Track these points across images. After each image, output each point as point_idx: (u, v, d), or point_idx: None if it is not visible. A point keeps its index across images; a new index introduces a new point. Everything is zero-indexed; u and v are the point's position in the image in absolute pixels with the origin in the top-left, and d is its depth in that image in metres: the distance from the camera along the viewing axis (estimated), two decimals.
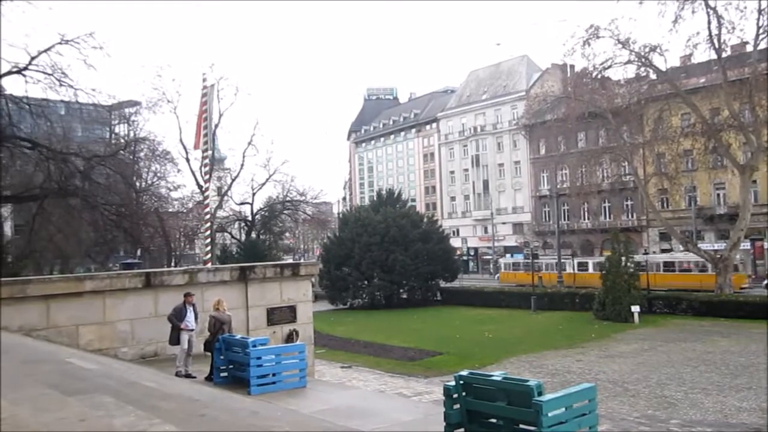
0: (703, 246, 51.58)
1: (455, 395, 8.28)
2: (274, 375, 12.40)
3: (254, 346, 12.11)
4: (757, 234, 57.90)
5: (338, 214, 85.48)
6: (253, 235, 55.90)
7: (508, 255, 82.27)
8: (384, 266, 46.36)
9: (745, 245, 53.07)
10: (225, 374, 12.65)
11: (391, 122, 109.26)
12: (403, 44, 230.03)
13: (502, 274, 61.81)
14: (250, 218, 57.30)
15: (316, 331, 18.21)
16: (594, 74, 40.99)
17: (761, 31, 35.90)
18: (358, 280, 47.76)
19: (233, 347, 12.46)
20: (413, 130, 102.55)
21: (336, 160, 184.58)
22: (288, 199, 57.16)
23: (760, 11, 35.36)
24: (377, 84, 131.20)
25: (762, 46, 37.47)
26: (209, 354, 12.82)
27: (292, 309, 16.13)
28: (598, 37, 38.58)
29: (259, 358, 12.02)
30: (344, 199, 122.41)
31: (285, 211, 59.67)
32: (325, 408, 10.86)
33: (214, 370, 12.69)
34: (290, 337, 15.75)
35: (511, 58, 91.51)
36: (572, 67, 56.70)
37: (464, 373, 8.47)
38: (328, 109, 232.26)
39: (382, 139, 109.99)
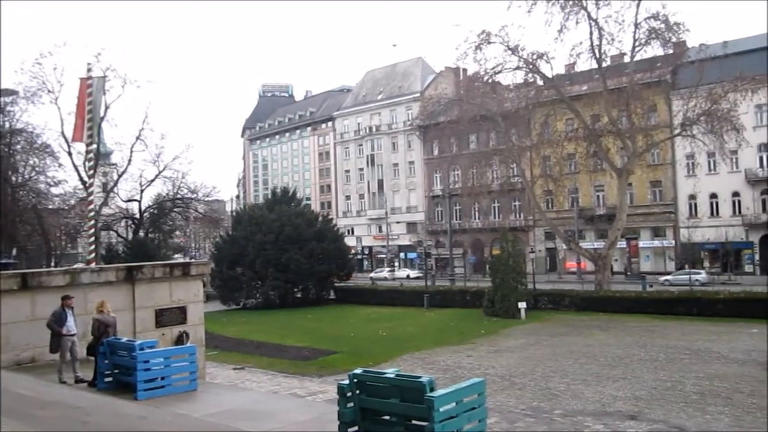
0: (584, 245, 54.48)
1: (349, 394, 8.31)
2: (163, 378, 11.96)
3: (141, 349, 11.64)
4: (632, 233, 61.82)
5: (231, 212, 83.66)
6: (141, 233, 53.73)
7: (401, 254, 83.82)
8: (278, 265, 45.83)
9: (622, 244, 56.52)
10: (110, 379, 12.08)
11: (286, 120, 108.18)
12: (300, 41, 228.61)
13: None
14: (137, 216, 55.02)
15: (207, 333, 17.75)
16: (485, 78, 42.18)
17: (637, 43, 38.29)
18: (251, 279, 46.97)
19: (119, 351, 11.93)
20: (309, 129, 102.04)
21: (229, 157, 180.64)
22: (179, 196, 55.34)
23: (636, 25, 37.72)
24: (272, 81, 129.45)
25: (638, 57, 39.94)
26: (92, 358, 12.21)
27: (183, 310, 15.65)
28: (489, 43, 39.81)
29: (146, 361, 11.57)
30: (238, 197, 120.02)
31: (175, 209, 57.75)
32: (217, 411, 10.61)
33: (97, 375, 12.10)
34: (180, 339, 15.27)
35: (406, 60, 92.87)
36: (465, 70, 58.30)
37: (358, 371, 8.52)
38: (222, 106, 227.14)
39: (277, 136, 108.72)
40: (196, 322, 15.90)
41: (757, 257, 59.43)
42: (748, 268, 58.79)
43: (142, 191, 53.19)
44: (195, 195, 56.26)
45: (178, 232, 74.30)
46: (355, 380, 8.29)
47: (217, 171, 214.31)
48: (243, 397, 13.57)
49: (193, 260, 53.70)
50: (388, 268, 76.27)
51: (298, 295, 48.89)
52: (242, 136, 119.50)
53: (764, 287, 41.65)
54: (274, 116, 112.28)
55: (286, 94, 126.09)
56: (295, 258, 45.68)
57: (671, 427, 12.70)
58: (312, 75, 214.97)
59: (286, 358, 25.01)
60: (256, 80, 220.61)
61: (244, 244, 47.35)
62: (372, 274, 74.91)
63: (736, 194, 60.11)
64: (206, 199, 60.47)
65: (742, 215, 59.37)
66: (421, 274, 62.09)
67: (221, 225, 71.32)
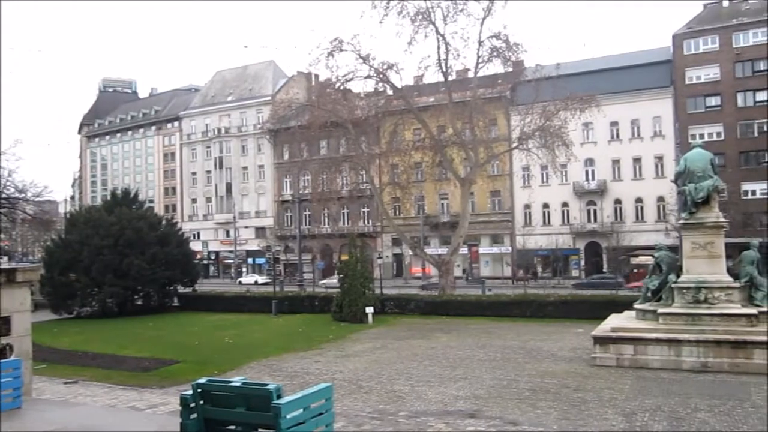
0: (429, 250, 56.50)
1: (192, 404, 8.03)
2: None
3: None
4: (473, 240, 65.04)
5: (65, 214, 78.21)
6: None
7: (249, 259, 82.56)
8: (117, 271, 43.30)
9: (464, 250, 59.28)
10: None
11: (129, 117, 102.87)
12: (146, 35, 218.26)
13: None
14: None
15: (35, 344, 16.38)
16: (337, 85, 42.51)
17: (480, 60, 40.35)
18: (87, 286, 43.94)
19: None
20: (153, 128, 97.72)
21: (64, 155, 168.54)
22: (4, 196, 50.74)
23: (480, 43, 39.75)
24: (114, 75, 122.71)
25: (481, 73, 42.11)
26: None
27: (6, 320, 14.31)
28: (341, 50, 40.16)
29: None
30: (73, 198, 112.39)
31: (0, 210, 52.92)
32: (45, 429, 9.83)
33: None
34: (2, 353, 13.98)
35: (258, 62, 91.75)
36: (317, 76, 58.58)
37: (202, 380, 8.25)
38: (57, 99, 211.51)
39: (118, 134, 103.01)
40: (21, 333, 14.61)
41: (582, 263, 64.78)
42: (574, 272, 63.96)
43: None
44: (23, 195, 51.78)
45: (2, 236, 68.13)
46: (199, 390, 8.03)
47: (50, 169, 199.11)
48: (75, 413, 12.68)
49: (19, 265, 49.44)
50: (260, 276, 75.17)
51: (139, 303, 46.48)
52: (79, 132, 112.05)
53: (588, 290, 45.47)
54: (115, 113, 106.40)
55: (129, 90, 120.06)
56: (135, 263, 43.39)
57: (506, 422, 13.44)
58: (158, 72, 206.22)
59: (125, 369, 23.67)
60: (96, 74, 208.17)
61: (78, 248, 44.26)
62: (242, 279, 74.42)
63: (565, 204, 65.21)
64: (36, 199, 55.83)
65: (570, 224, 64.50)
66: (269, 280, 61.47)
67: (53, 228, 66.44)
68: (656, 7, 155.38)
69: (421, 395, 16.53)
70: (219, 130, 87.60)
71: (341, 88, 42.86)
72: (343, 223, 74.43)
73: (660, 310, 20.16)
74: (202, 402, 8.01)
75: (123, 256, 43.55)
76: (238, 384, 8.03)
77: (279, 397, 7.55)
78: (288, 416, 7.43)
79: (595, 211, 64.11)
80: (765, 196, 58.26)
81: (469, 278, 65.20)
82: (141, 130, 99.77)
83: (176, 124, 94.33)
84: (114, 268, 43.21)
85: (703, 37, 61.72)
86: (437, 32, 39.55)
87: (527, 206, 66.11)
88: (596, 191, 63.69)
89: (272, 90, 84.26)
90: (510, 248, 66.90)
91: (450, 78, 42.18)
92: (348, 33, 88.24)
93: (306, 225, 74.58)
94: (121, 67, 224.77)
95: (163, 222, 50.82)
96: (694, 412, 13.74)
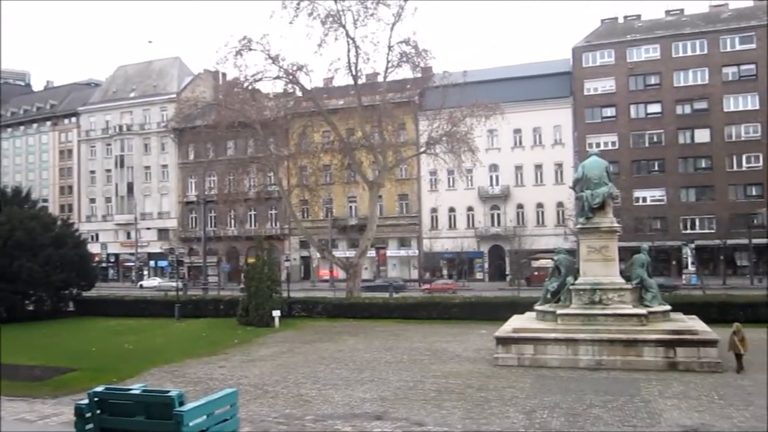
0: (337, 253, 56.53)
1: (88, 414, 7.69)
2: None
3: None
4: (381, 243, 65.61)
5: None
6: None
7: (151, 262, 80.00)
8: (6, 274, 40.74)
9: (372, 253, 59.70)
10: None
11: (21, 111, 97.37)
12: (40, 24, 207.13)
13: None
14: None
15: None
16: (245, 85, 41.80)
17: (390, 65, 40.69)
18: None
19: None
20: (48, 123, 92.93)
21: None
22: None
23: (389, 47, 40.09)
24: (5, 66, 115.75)
25: (390, 78, 42.47)
26: None
27: None
28: (250, 50, 39.48)
29: None
30: None
31: None
32: None
33: None
34: None
35: (163, 58, 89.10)
36: (224, 75, 57.42)
37: (99, 388, 7.93)
38: None
39: (9, 129, 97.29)
40: None
41: (486, 266, 66.61)
42: (479, 275, 65.69)
43: None
44: None
45: None
46: (96, 399, 7.70)
47: None
48: None
49: None
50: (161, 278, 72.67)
51: (31, 308, 43.97)
52: None
53: (492, 292, 46.79)
54: (6, 107, 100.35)
55: (22, 83, 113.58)
56: (27, 266, 40.98)
57: (412, 423, 13.63)
58: (54, 64, 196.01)
59: (14, 379, 22.34)
60: None
61: None
62: (143, 282, 71.92)
63: (470, 209, 66.89)
64: None
65: (475, 228, 66.19)
66: (172, 283, 59.71)
67: None
68: (558, 19, 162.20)
69: (328, 398, 16.50)
70: (120, 127, 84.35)
71: (250, 87, 42.20)
72: (250, 225, 73.33)
73: (558, 311, 21.00)
74: (99, 411, 7.69)
75: (12, 258, 41.05)
76: (137, 391, 7.77)
77: (181, 404, 7.36)
78: (191, 423, 7.26)
79: (498, 216, 66.05)
80: (655, 203, 61.97)
81: (376, 280, 65.66)
82: (35, 125, 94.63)
83: (74, 119, 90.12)
84: (2, 271, 40.69)
85: (600, 51, 65.00)
86: (347, 35, 39.61)
87: (434, 210, 67.35)
88: (500, 196, 65.68)
89: (177, 87, 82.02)
90: (417, 251, 67.92)
91: (360, 81, 42.31)
92: (257, 32, 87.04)
93: (211, 227, 72.92)
94: (12, 57, 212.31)
95: (59, 222, 48.40)
96: (589, 408, 14.39)
